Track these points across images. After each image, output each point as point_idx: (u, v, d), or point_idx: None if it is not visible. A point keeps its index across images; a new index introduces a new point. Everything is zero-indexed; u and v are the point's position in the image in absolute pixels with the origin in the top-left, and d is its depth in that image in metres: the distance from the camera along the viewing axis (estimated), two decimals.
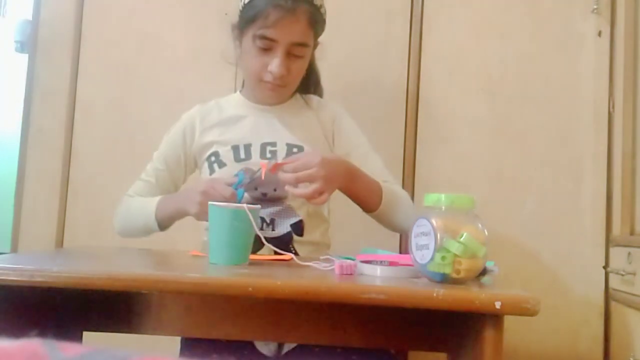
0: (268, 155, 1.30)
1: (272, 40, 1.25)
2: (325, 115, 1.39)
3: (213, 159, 1.33)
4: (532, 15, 1.81)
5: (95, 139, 1.85)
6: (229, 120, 1.37)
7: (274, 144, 1.32)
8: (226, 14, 1.84)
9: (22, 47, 1.88)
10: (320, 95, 1.47)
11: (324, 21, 1.33)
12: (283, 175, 1.08)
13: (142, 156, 1.82)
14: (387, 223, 1.29)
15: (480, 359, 0.77)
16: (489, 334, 0.76)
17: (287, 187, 1.10)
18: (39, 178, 1.84)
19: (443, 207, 0.83)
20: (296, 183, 1.08)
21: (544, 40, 1.80)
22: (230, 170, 1.28)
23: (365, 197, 1.24)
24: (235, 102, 1.42)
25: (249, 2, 1.27)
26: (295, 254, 1.24)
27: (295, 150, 1.31)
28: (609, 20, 1.77)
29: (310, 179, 1.07)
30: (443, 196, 0.83)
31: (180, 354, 1.21)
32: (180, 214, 1.24)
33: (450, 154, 1.79)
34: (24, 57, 1.88)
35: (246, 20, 1.28)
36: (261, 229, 1.25)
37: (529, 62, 1.80)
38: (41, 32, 1.87)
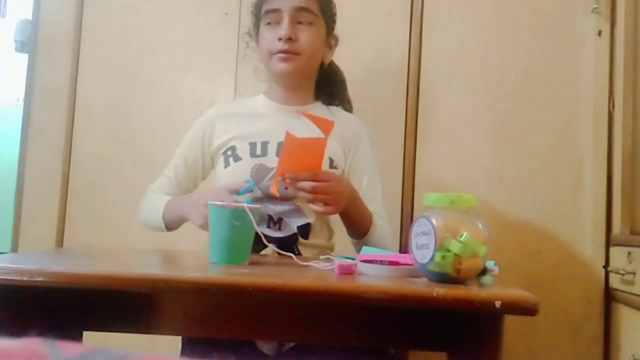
0: None
1: (276, 10, 1.31)
2: (346, 128, 1.40)
3: (229, 152, 1.34)
4: (532, 15, 1.81)
5: (95, 139, 1.85)
6: (249, 116, 1.39)
7: None
8: (226, 13, 1.85)
9: (22, 46, 1.88)
10: (349, 110, 1.50)
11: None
12: (302, 184, 1.10)
13: (142, 156, 1.83)
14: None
15: (480, 358, 0.77)
16: (488, 333, 0.76)
17: (301, 195, 1.13)
18: (39, 178, 1.84)
19: (443, 207, 0.83)
20: (312, 193, 1.11)
21: (544, 39, 1.80)
22: (244, 165, 1.29)
23: (359, 224, 1.28)
24: (257, 101, 1.44)
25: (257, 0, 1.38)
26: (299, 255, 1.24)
27: None
28: (609, 19, 1.77)
29: (326, 191, 1.12)
30: (443, 195, 0.83)
31: (182, 353, 1.21)
32: (184, 221, 1.26)
33: (450, 154, 1.79)
34: (24, 57, 1.88)
35: (258, 11, 1.36)
36: (268, 227, 1.26)
37: (529, 62, 1.80)
38: (41, 31, 1.87)
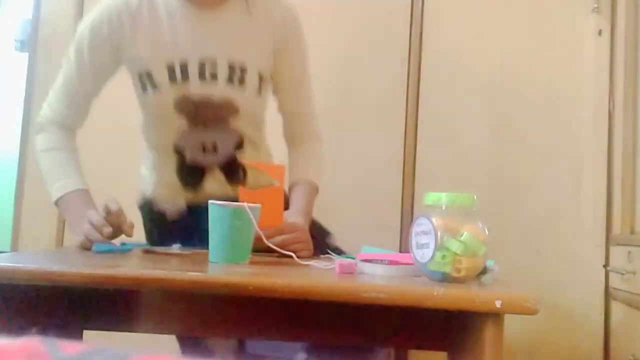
0: (207, 76, 1.19)
1: None
2: (274, 23, 1.26)
3: (145, 78, 1.21)
4: (532, 15, 1.81)
5: (95, 139, 1.85)
6: (162, 27, 1.19)
7: (213, 61, 1.20)
8: None
9: (22, 46, 1.88)
10: None
11: None
12: (274, 240, 1.06)
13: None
14: None
15: (480, 357, 0.77)
16: (489, 332, 0.76)
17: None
18: (39, 177, 1.83)
19: (443, 206, 0.83)
20: (284, 246, 1.07)
21: (545, 39, 1.80)
22: (164, 95, 1.19)
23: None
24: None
25: None
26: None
27: (237, 71, 1.21)
28: (609, 19, 1.77)
29: (296, 241, 1.10)
30: (443, 195, 0.83)
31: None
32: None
33: (450, 154, 1.79)
34: (24, 56, 1.88)
35: None
36: (203, 151, 1.24)
37: (529, 61, 1.80)
38: (41, 31, 1.87)
